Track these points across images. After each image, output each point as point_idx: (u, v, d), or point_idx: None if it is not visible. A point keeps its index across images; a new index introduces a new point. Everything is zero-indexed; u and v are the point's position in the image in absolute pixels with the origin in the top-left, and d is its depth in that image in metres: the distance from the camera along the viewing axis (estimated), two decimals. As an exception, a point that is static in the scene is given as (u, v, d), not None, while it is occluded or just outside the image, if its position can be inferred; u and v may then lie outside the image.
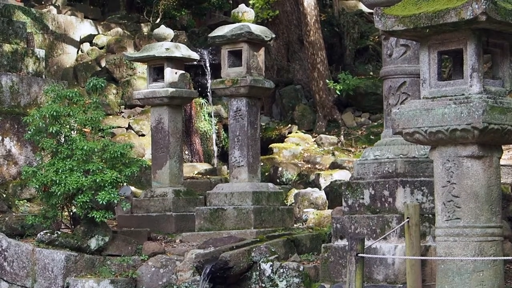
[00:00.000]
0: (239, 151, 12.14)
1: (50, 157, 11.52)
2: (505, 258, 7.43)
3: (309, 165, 15.90)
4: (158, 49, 13.11)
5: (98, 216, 10.92)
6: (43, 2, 21.67)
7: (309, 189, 13.56)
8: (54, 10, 20.78)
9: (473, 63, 7.09)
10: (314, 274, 9.93)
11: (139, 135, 17.22)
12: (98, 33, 20.83)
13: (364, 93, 18.14)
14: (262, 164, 13.90)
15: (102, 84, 12.04)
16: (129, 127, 17.43)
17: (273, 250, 10.34)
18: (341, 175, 14.34)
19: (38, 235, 11.28)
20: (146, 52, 13.28)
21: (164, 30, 13.55)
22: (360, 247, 7.78)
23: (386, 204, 9.35)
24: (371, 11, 19.71)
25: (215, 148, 17.95)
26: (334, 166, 15.25)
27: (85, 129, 11.71)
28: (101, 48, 20.20)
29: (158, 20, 21.81)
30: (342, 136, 17.15)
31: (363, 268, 7.86)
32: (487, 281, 7.16)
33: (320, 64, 18.05)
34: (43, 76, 15.45)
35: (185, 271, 10.72)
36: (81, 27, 20.75)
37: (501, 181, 7.67)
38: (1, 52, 14.76)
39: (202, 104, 18.05)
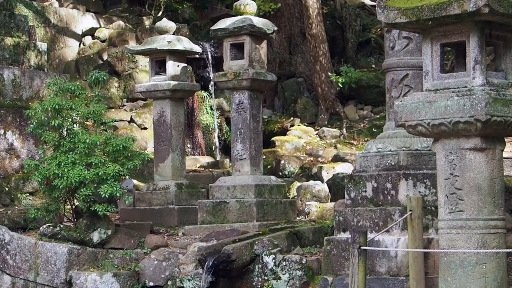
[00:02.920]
0: (241, 144, 12.13)
1: (53, 150, 11.51)
2: (508, 250, 7.42)
3: (312, 158, 15.89)
4: (160, 42, 13.10)
5: (100, 210, 10.93)
6: (44, -4, 21.63)
7: (311, 182, 13.55)
8: (56, 4, 20.72)
9: (476, 55, 7.08)
10: (317, 267, 9.92)
11: (141, 128, 17.20)
12: (100, 27, 20.79)
13: (366, 85, 18.12)
14: (264, 157, 13.89)
15: (104, 78, 12.04)
16: (131, 121, 17.41)
17: (275, 243, 10.33)
18: (344, 168, 14.34)
19: (41, 228, 11.28)
20: (148, 45, 13.27)
21: (166, 23, 13.53)
22: (363, 239, 7.78)
23: (389, 197, 9.34)
24: (373, 3, 19.61)
25: (217, 141, 17.94)
26: (337, 159, 15.24)
27: (87, 123, 11.71)
28: (103, 41, 20.16)
29: (160, 13, 21.75)
30: (344, 129, 17.14)
31: (365, 261, 7.87)
32: (489, 273, 7.16)
33: (322, 57, 18.02)
34: (45, 70, 15.44)
35: (187, 264, 10.72)
36: (83, 21, 20.71)
37: (504, 174, 7.67)
38: (3, 45, 14.75)
39: (204, 97, 18.03)
